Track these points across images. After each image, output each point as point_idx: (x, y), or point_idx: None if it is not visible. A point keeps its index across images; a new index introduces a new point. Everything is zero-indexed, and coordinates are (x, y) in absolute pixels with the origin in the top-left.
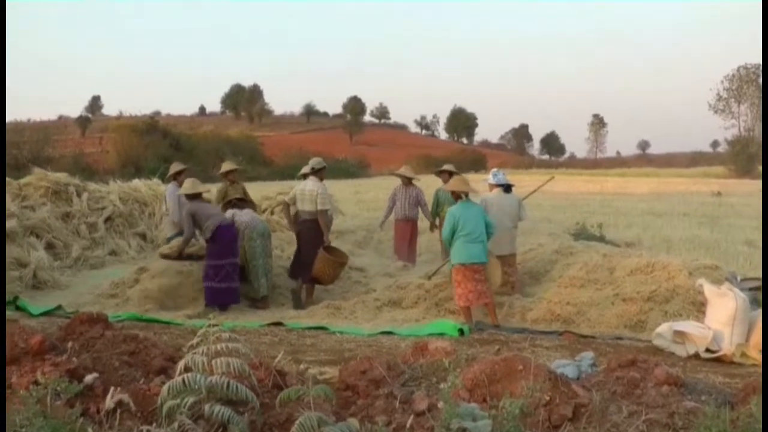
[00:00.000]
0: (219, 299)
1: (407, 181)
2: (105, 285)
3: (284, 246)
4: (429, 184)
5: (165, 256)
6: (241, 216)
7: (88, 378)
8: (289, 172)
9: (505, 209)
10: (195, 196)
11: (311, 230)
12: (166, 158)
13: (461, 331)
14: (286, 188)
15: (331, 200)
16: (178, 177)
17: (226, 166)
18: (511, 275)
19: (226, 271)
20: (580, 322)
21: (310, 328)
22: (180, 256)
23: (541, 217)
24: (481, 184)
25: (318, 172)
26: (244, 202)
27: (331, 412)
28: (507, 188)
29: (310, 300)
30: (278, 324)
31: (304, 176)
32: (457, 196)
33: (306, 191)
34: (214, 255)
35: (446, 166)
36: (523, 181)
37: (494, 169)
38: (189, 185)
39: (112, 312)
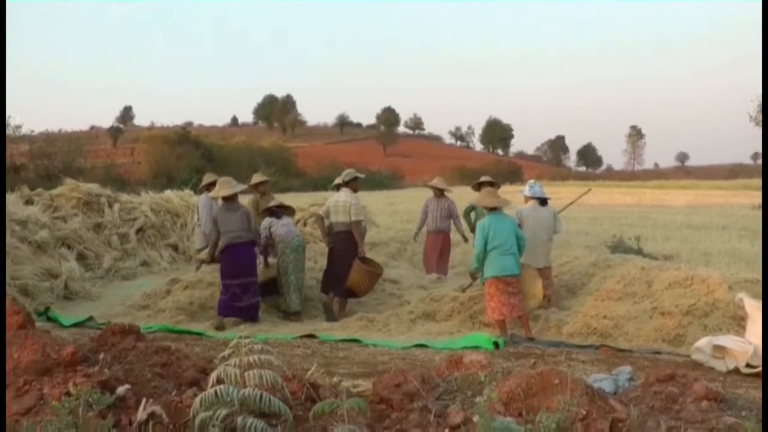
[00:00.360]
0: (229, 314)
1: (439, 193)
2: (136, 296)
3: (317, 258)
4: (463, 197)
5: (201, 261)
6: (278, 228)
7: (120, 389)
8: (322, 183)
9: (540, 222)
10: (228, 199)
11: (345, 242)
12: (198, 169)
13: (496, 345)
14: (319, 199)
15: (364, 212)
16: (210, 188)
17: (256, 178)
18: (546, 288)
19: (233, 292)
20: (617, 336)
21: (343, 341)
22: (213, 259)
23: (578, 230)
24: (516, 195)
25: (351, 184)
26: (284, 209)
27: (364, 425)
28: (543, 201)
29: (343, 312)
30: (311, 336)
31: (337, 187)
32: (488, 209)
33: (339, 203)
34: (224, 273)
35: (484, 178)
36: (560, 193)
37: (531, 181)
38: (219, 187)
39: (143, 323)
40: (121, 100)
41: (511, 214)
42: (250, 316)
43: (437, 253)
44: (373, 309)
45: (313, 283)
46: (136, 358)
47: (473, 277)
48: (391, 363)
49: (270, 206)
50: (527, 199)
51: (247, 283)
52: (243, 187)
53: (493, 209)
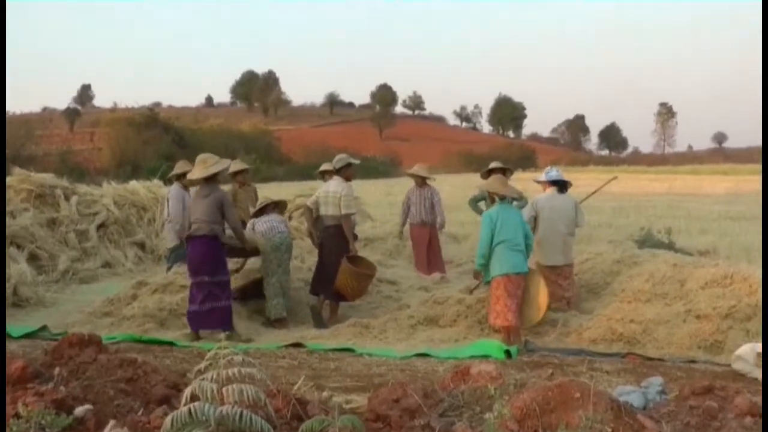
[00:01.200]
0: (192, 323)
1: (421, 182)
2: (98, 302)
3: (304, 256)
4: (470, 186)
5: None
6: (260, 225)
7: (79, 410)
8: (309, 172)
9: (559, 212)
10: (209, 180)
11: (335, 238)
12: (167, 156)
13: (508, 353)
14: (306, 189)
15: (357, 203)
16: (182, 178)
17: (235, 166)
18: (566, 289)
19: (191, 293)
20: (646, 343)
21: (334, 350)
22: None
23: (600, 222)
24: (529, 183)
25: (343, 171)
26: (273, 206)
27: None
28: (562, 188)
29: (334, 318)
30: (298, 345)
31: (323, 174)
32: (496, 197)
33: (329, 193)
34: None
35: (494, 164)
36: (579, 180)
37: (548, 167)
38: (195, 166)
39: (105, 333)
40: (78, 78)
41: (522, 206)
42: (209, 323)
43: (425, 247)
44: (369, 314)
45: (300, 285)
46: (97, 372)
47: (476, 276)
48: (389, 375)
49: (265, 204)
50: (545, 186)
51: (202, 283)
52: (224, 164)
53: (502, 198)
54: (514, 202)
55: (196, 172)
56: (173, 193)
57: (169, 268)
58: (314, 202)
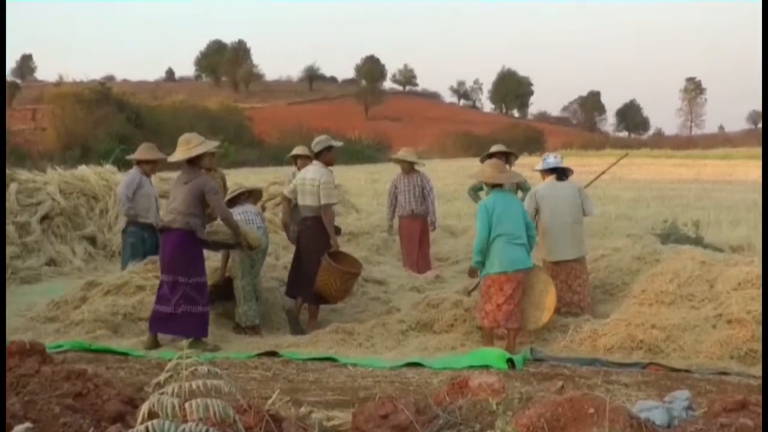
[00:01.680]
0: (156, 326)
1: (409, 168)
2: (41, 305)
3: (279, 252)
4: (469, 171)
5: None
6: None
7: (19, 429)
8: (285, 155)
9: (561, 201)
10: (191, 162)
11: (313, 231)
12: (122, 138)
13: (511, 362)
14: (281, 177)
15: (337, 193)
16: (143, 165)
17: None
18: (576, 289)
19: (162, 292)
20: (671, 351)
21: (313, 360)
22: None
23: (618, 213)
24: (526, 171)
25: (323, 155)
26: (246, 195)
27: None
28: (561, 175)
29: (314, 323)
30: (272, 354)
31: (295, 159)
32: (492, 185)
33: (306, 181)
34: None
35: (496, 148)
36: (594, 165)
37: (546, 154)
38: (177, 148)
39: (50, 340)
40: (17, 47)
41: (528, 196)
42: (183, 329)
43: (416, 243)
44: (353, 318)
45: (274, 285)
46: (40, 386)
47: (472, 274)
48: (376, 388)
49: (238, 192)
50: (543, 175)
51: (177, 284)
52: (209, 145)
53: (497, 186)
54: (519, 192)
55: (177, 154)
56: (129, 175)
57: (124, 266)
58: (292, 190)
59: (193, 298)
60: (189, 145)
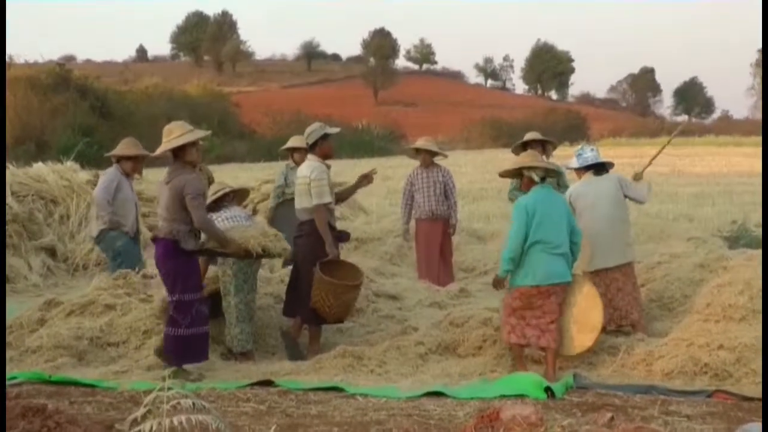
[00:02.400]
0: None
1: (428, 160)
2: None
3: (274, 262)
4: (499, 165)
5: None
6: (219, 222)
7: None
8: (280, 148)
9: (599, 197)
10: (177, 156)
11: (311, 238)
12: (86, 129)
13: (550, 391)
14: (276, 173)
15: (330, 191)
16: (124, 162)
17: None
18: (618, 304)
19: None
20: (741, 377)
21: (316, 390)
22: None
23: (676, 213)
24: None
25: (319, 146)
26: (230, 195)
27: None
28: (599, 170)
29: (316, 346)
30: (267, 384)
31: (291, 152)
32: (528, 182)
33: (300, 180)
34: None
35: (531, 135)
36: (647, 156)
37: (580, 147)
38: (164, 139)
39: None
40: None
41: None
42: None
43: (436, 250)
44: (362, 339)
45: (269, 302)
46: None
47: (497, 285)
48: (391, 422)
49: (215, 197)
50: (579, 173)
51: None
52: (196, 135)
53: (541, 180)
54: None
55: (159, 148)
56: (105, 176)
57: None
58: (278, 196)
59: (173, 319)
60: (170, 136)
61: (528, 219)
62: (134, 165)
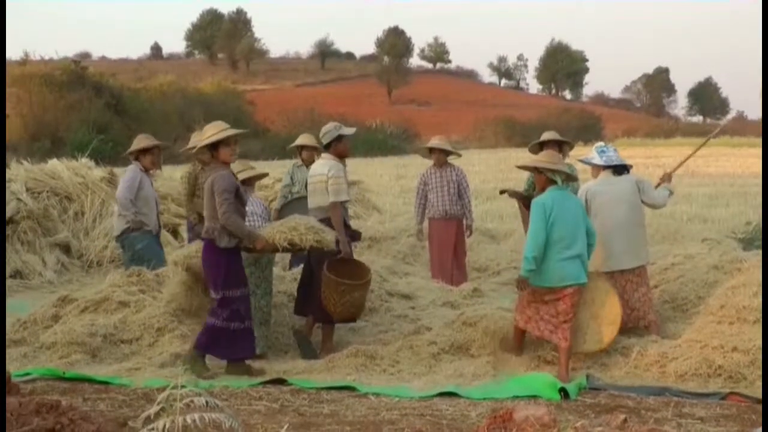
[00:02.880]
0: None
1: (442, 160)
2: (6, 325)
3: (287, 261)
4: (513, 164)
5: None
6: None
7: None
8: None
9: (616, 198)
10: (213, 156)
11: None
12: (100, 126)
13: (564, 392)
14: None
15: (347, 190)
16: (141, 156)
17: (196, 139)
18: (635, 305)
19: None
20: (755, 379)
21: (328, 389)
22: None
23: (691, 214)
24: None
25: (334, 146)
26: (251, 181)
27: None
28: (619, 171)
29: (329, 345)
30: (279, 382)
31: (300, 150)
32: (545, 181)
33: (315, 177)
34: None
35: (548, 135)
36: (662, 157)
37: (599, 144)
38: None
39: (17, 367)
40: None
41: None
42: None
43: (450, 250)
44: (375, 339)
45: (282, 300)
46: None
47: (521, 286)
48: (403, 422)
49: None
50: (595, 170)
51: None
52: (227, 133)
53: (565, 180)
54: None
55: (195, 147)
56: (126, 174)
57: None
58: (284, 196)
59: (212, 310)
60: (203, 135)
61: (547, 217)
62: (153, 159)
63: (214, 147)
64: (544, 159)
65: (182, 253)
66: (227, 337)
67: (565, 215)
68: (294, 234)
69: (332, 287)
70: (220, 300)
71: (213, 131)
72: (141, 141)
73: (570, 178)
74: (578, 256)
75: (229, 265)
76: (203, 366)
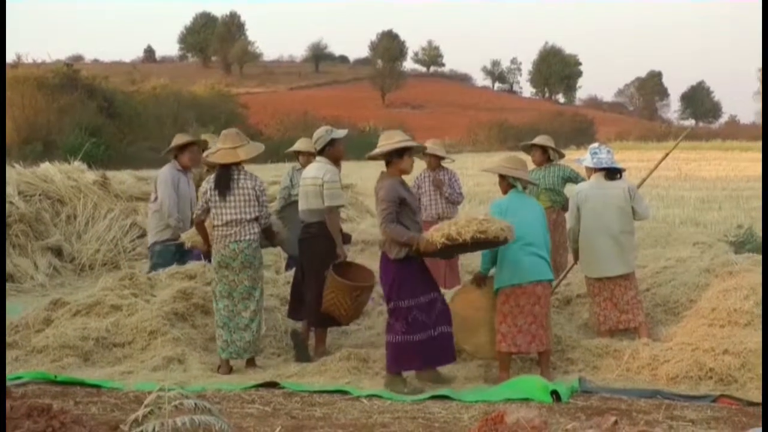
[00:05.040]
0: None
1: (435, 163)
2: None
3: (280, 263)
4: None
5: None
6: None
7: None
8: (287, 150)
9: (607, 204)
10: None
11: (318, 240)
12: (93, 129)
13: (556, 394)
14: (282, 174)
15: (343, 194)
16: (179, 154)
17: (207, 141)
18: (624, 308)
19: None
20: (746, 381)
21: (321, 392)
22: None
23: (683, 217)
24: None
25: (329, 150)
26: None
27: None
28: (612, 174)
29: (322, 348)
30: (272, 385)
31: (297, 155)
32: (507, 186)
33: (308, 180)
34: None
35: (539, 140)
36: (654, 160)
37: (594, 145)
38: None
39: (8, 371)
40: None
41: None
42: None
43: None
44: (368, 342)
45: (274, 304)
46: None
47: (478, 282)
48: (396, 425)
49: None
50: (589, 172)
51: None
52: (410, 143)
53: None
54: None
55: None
56: (163, 175)
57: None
58: (283, 197)
59: (389, 325)
60: (387, 140)
61: (502, 217)
62: (191, 156)
63: (398, 154)
64: (507, 165)
65: None
66: (408, 348)
67: (524, 216)
68: (452, 229)
69: (345, 292)
70: (392, 311)
71: (397, 138)
72: (179, 138)
73: (529, 185)
74: (543, 256)
75: (398, 274)
76: (402, 382)
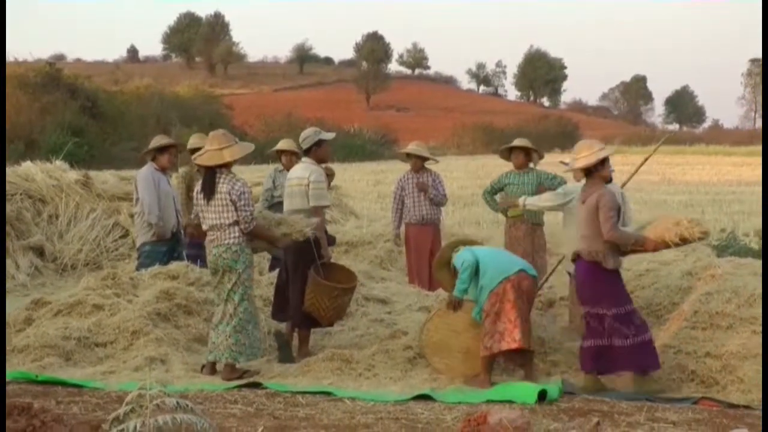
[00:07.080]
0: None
1: (419, 165)
2: None
3: (264, 265)
4: (490, 170)
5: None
6: None
7: None
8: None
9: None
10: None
11: (302, 241)
12: (76, 129)
13: (542, 395)
14: (265, 175)
15: (328, 194)
16: (158, 155)
17: (195, 142)
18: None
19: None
20: (728, 384)
21: (304, 393)
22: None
23: None
24: (555, 167)
25: (314, 151)
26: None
27: None
28: None
29: (305, 349)
30: (255, 386)
31: (279, 155)
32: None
33: (293, 181)
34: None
35: (518, 142)
36: (637, 164)
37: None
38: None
39: None
40: None
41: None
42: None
43: (426, 254)
44: (351, 343)
45: (258, 305)
46: None
47: (454, 306)
48: (379, 426)
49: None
50: (579, 174)
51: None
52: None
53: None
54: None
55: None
56: (142, 174)
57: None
58: (267, 198)
59: (619, 332)
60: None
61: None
62: (170, 158)
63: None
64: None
65: None
66: (649, 346)
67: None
68: (682, 229)
69: (325, 292)
70: (622, 317)
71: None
72: (158, 140)
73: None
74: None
75: (614, 281)
76: (597, 381)
